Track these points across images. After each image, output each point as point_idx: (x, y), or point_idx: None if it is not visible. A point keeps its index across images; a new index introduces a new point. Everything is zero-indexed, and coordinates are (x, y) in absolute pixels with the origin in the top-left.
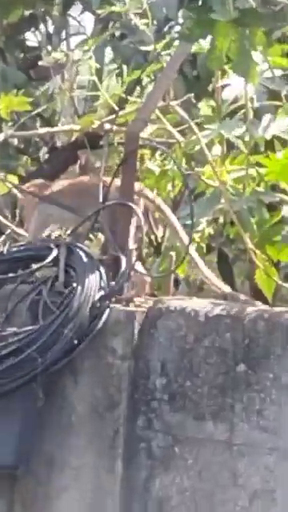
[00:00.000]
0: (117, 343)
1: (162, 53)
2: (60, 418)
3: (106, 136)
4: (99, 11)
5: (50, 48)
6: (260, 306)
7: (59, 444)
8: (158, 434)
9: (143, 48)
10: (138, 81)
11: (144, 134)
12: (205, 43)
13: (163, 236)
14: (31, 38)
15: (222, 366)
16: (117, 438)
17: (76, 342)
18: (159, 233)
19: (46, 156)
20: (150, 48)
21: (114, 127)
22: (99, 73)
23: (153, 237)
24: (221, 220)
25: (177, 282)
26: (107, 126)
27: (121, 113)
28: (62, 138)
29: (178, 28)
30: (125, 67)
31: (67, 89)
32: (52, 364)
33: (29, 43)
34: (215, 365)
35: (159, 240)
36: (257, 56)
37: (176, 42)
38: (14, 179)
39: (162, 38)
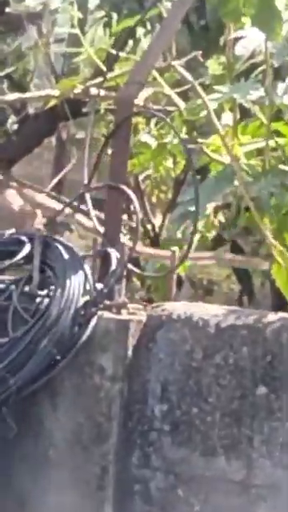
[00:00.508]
0: (106, 360)
1: None
2: (35, 448)
3: (91, 102)
4: None
5: None
6: (281, 313)
7: (33, 479)
8: (157, 472)
9: None
10: (131, 32)
11: (138, 100)
12: None
13: (162, 225)
14: None
15: (237, 388)
16: (105, 477)
17: (55, 358)
18: (157, 221)
19: (15, 126)
20: None
21: (102, 92)
22: (82, 23)
23: (149, 226)
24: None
25: (179, 283)
26: (93, 91)
27: (110, 74)
28: (34, 105)
29: None
30: (115, 16)
31: (43, 44)
32: (25, 385)
33: None
34: (229, 387)
35: (157, 230)
36: (281, 4)
37: None
38: None
39: None
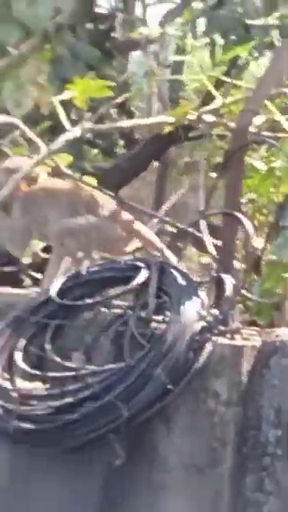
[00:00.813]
0: (220, 385)
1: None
2: (150, 473)
3: (204, 128)
4: None
5: (123, 16)
6: None
7: (148, 505)
8: (270, 497)
9: (249, 21)
10: (236, 58)
11: (252, 127)
12: None
13: (264, 248)
14: (102, 4)
15: None
16: (219, 501)
17: (170, 385)
18: (259, 243)
19: (123, 150)
20: (257, 21)
21: (214, 118)
22: (183, 49)
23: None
24: None
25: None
26: (208, 118)
27: (219, 100)
28: (141, 129)
29: None
30: (221, 41)
31: (157, 71)
32: (139, 413)
33: (99, 10)
34: None
35: (259, 253)
36: None
37: None
38: (93, 181)
39: (269, 5)
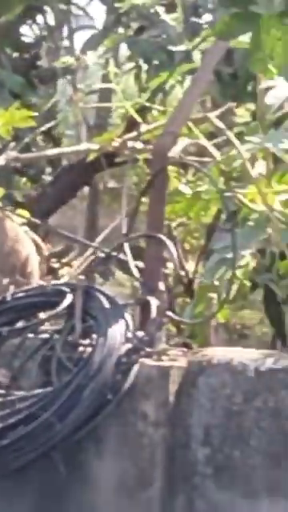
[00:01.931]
0: (149, 406)
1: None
2: (81, 495)
3: (128, 154)
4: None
5: (49, 45)
6: None
7: None
8: None
9: (171, 47)
10: (161, 84)
11: (175, 151)
12: (244, 37)
13: (195, 271)
14: (27, 33)
15: (277, 430)
16: None
17: (99, 405)
18: (190, 267)
19: (50, 178)
20: (180, 47)
21: (139, 144)
22: (108, 76)
23: (183, 272)
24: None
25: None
26: (130, 144)
27: (146, 127)
28: (68, 156)
29: (208, 17)
30: (145, 67)
31: (79, 99)
32: (71, 433)
33: (24, 39)
34: (269, 430)
35: (190, 276)
36: None
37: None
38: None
39: (190, 31)
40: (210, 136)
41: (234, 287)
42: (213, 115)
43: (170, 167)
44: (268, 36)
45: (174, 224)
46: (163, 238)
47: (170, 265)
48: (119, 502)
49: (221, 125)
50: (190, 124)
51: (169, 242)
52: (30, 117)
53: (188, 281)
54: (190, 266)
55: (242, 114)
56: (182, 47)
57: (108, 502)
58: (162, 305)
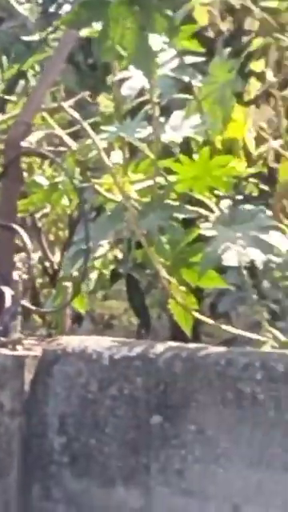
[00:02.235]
0: (4, 396)
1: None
2: None
3: None
4: None
5: None
6: (173, 343)
7: None
8: (58, 504)
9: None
10: (22, 75)
11: (30, 141)
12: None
13: (60, 262)
14: None
15: (132, 418)
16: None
17: None
18: (56, 258)
19: None
20: (34, 37)
21: None
22: None
23: (47, 263)
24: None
25: (79, 318)
26: None
27: (1, 118)
28: None
29: (66, 8)
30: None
31: None
32: None
33: None
34: (125, 417)
35: (56, 267)
36: (159, 43)
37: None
38: None
39: (46, 21)
40: (69, 126)
41: (94, 277)
42: (66, 105)
43: (33, 159)
44: (117, 24)
45: (37, 215)
46: (16, 227)
47: (36, 255)
48: None
49: (75, 114)
50: (45, 114)
51: (22, 232)
52: None
53: (53, 271)
54: (57, 257)
55: (107, 104)
56: (35, 37)
57: None
58: (16, 295)
